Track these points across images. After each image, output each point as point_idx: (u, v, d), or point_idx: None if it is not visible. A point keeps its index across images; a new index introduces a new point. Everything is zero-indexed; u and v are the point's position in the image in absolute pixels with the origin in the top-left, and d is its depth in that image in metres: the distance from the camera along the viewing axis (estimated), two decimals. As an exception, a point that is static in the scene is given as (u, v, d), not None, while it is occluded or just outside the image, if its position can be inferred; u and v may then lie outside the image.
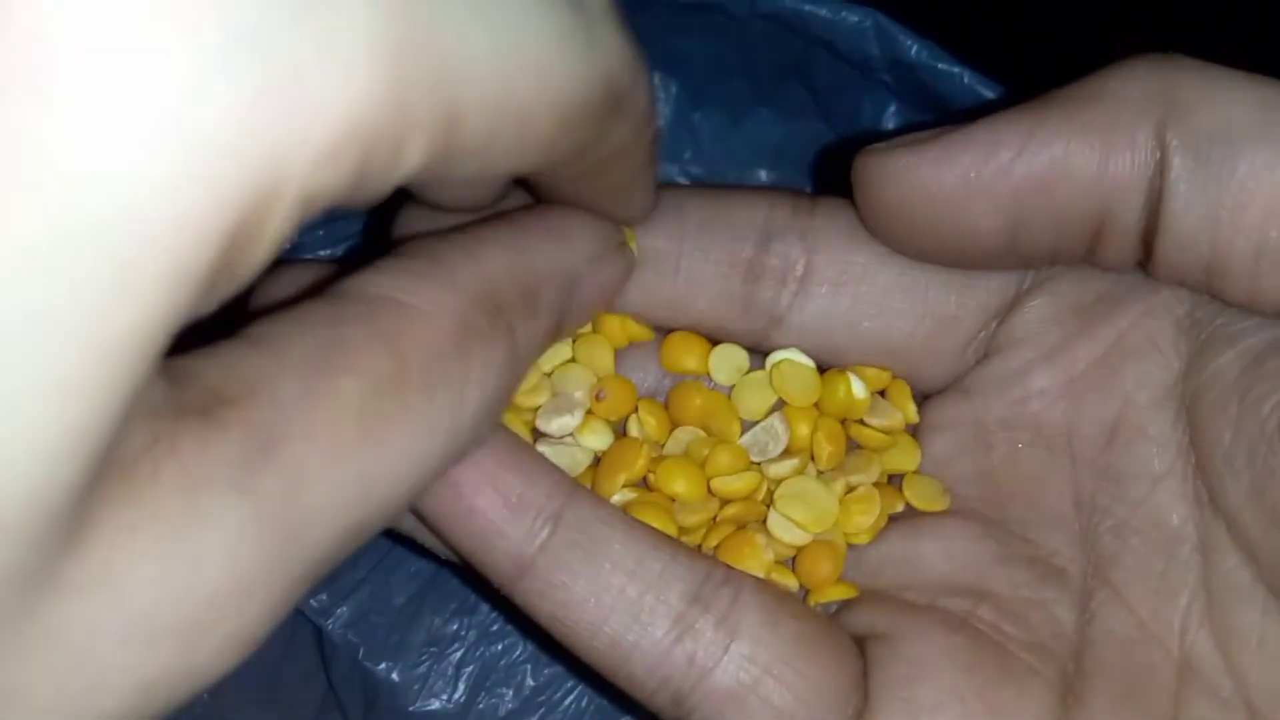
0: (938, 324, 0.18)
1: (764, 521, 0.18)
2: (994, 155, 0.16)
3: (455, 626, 0.24)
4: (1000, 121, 0.16)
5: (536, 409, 0.18)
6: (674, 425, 0.19)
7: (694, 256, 0.18)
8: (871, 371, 0.19)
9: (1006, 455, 0.18)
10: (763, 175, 0.30)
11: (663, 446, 0.19)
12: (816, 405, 0.19)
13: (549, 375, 0.18)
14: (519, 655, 0.24)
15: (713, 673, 0.16)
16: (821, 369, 0.19)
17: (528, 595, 0.17)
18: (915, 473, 0.19)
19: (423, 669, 0.24)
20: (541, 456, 0.17)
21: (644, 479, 0.18)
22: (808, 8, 0.25)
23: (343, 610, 0.24)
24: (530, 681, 0.24)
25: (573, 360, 0.18)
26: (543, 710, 0.24)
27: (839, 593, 0.18)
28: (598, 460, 0.18)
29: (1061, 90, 0.17)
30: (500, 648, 0.24)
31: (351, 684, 0.24)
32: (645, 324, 0.19)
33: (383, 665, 0.24)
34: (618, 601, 0.16)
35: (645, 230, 0.18)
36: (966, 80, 0.28)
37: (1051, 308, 0.18)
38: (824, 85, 0.29)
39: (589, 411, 0.18)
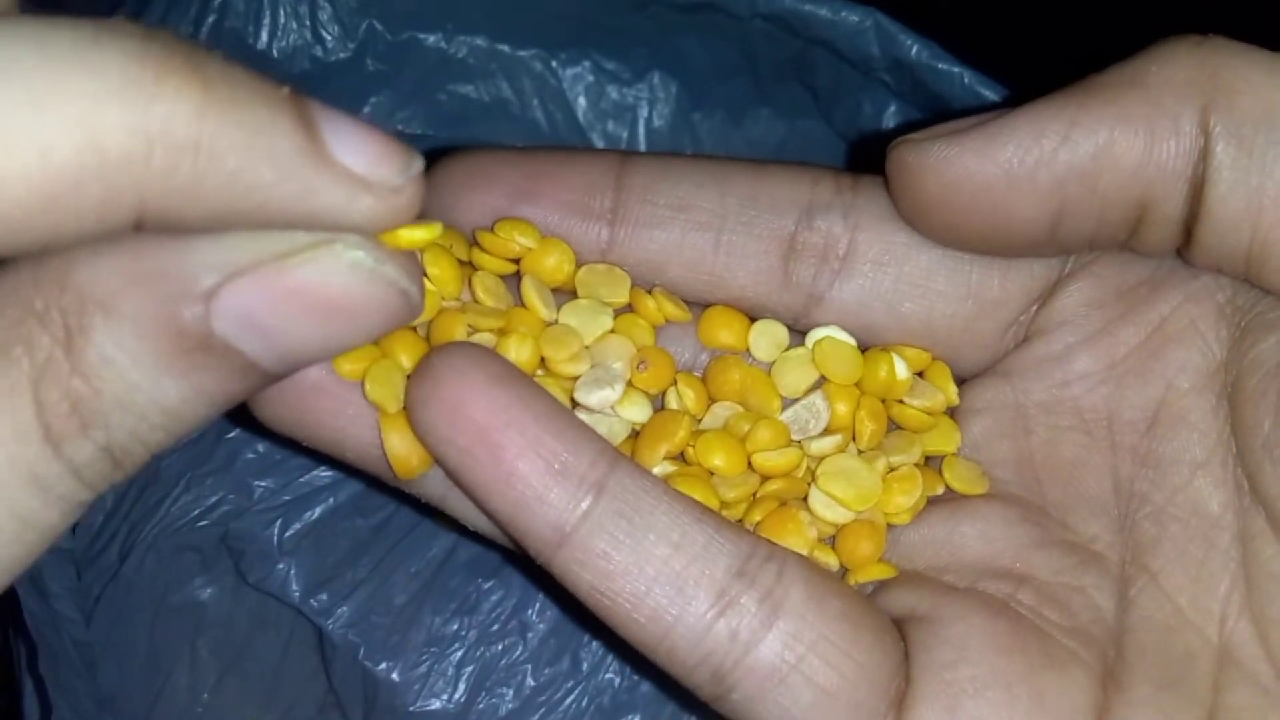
0: (979, 306, 0.18)
1: (805, 499, 0.18)
2: (1037, 144, 0.16)
3: (455, 626, 0.24)
4: (1042, 110, 0.16)
5: (576, 378, 0.18)
6: (711, 400, 0.19)
7: (736, 230, 0.18)
8: (912, 352, 0.19)
9: (1046, 439, 0.18)
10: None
11: (699, 421, 0.18)
12: (857, 384, 0.19)
13: (588, 347, 0.18)
14: (519, 655, 0.24)
15: (755, 649, 0.16)
16: (860, 349, 0.19)
17: (567, 565, 0.16)
18: (954, 455, 0.19)
19: (423, 669, 0.24)
20: (584, 424, 0.16)
21: (681, 454, 0.18)
22: (808, 8, 0.25)
23: (343, 610, 0.24)
24: (530, 681, 0.24)
25: (613, 332, 0.18)
26: (543, 710, 0.24)
27: (879, 572, 0.18)
28: (635, 434, 0.18)
29: (1102, 76, 0.16)
30: (500, 648, 0.24)
31: (351, 684, 0.24)
32: (683, 298, 0.19)
33: (383, 665, 0.24)
34: (661, 574, 0.16)
35: (686, 203, 0.18)
36: (966, 80, 0.28)
37: (1093, 292, 0.18)
38: (824, 85, 0.29)
39: (629, 383, 0.18)
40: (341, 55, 0.29)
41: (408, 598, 0.25)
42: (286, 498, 0.25)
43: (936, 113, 0.28)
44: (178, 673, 0.25)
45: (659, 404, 0.18)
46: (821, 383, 0.19)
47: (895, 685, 0.17)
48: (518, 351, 0.17)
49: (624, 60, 0.29)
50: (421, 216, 0.13)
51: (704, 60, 0.28)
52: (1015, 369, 0.19)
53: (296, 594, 0.24)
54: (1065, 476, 0.18)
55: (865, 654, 0.16)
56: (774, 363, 0.19)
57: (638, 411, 0.18)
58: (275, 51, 0.28)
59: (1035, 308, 0.18)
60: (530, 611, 0.25)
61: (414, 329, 0.17)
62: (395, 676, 0.24)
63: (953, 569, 0.18)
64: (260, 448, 0.26)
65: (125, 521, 0.25)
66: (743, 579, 0.16)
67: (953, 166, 0.17)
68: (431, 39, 0.29)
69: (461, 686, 0.24)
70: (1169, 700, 0.16)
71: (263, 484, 0.25)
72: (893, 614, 0.18)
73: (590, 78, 0.29)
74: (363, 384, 0.16)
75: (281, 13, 0.28)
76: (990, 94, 0.28)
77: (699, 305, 0.19)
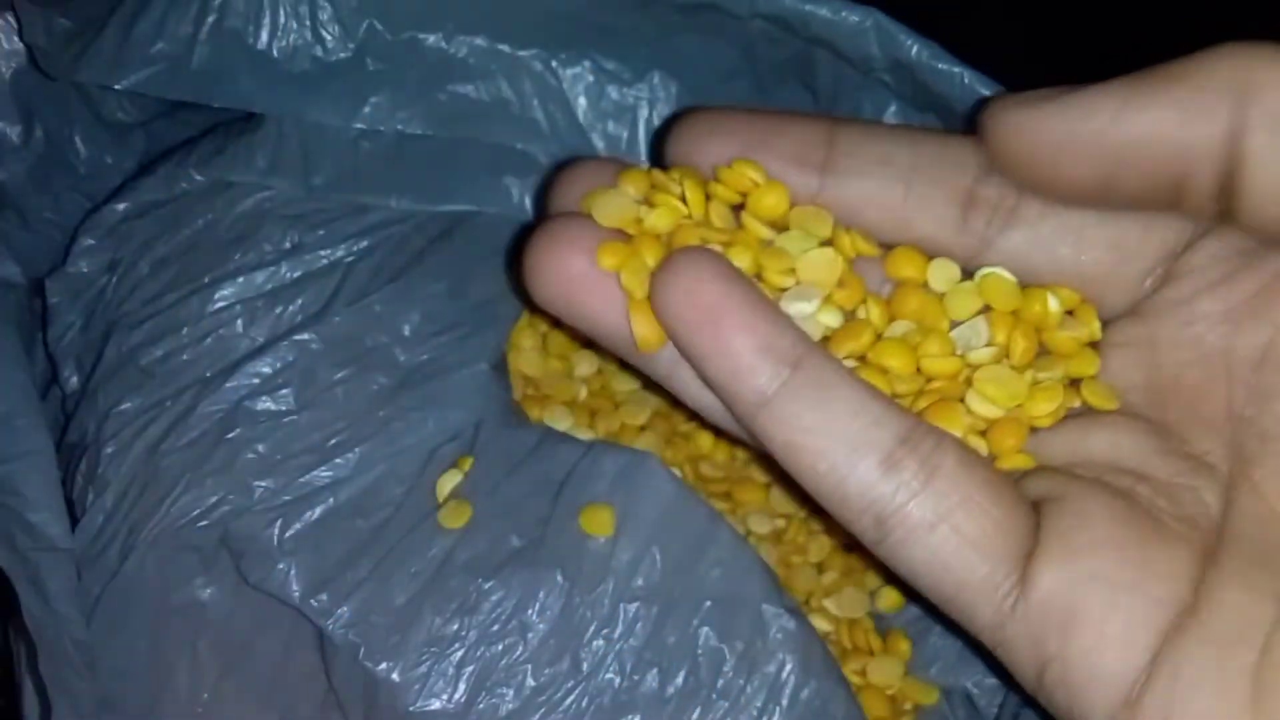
0: (1122, 255, 0.22)
1: (962, 399, 0.22)
2: (1091, 119, 0.20)
3: (455, 626, 0.24)
4: (1098, 92, 0.20)
5: (784, 290, 0.22)
6: (893, 318, 0.22)
7: (924, 184, 0.22)
8: (1064, 291, 0.22)
9: (1172, 370, 0.22)
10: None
11: (880, 334, 0.22)
12: (1014, 314, 0.22)
13: (794, 268, 0.22)
14: (519, 655, 0.24)
15: (912, 502, 0.20)
16: (1020, 287, 0.22)
17: (766, 424, 0.20)
18: (1093, 377, 0.22)
19: (423, 669, 0.24)
20: (787, 315, 0.21)
21: (864, 357, 0.22)
22: (808, 7, 0.25)
23: (343, 610, 0.24)
24: (531, 681, 0.24)
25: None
26: (543, 710, 0.24)
27: (1020, 461, 0.22)
28: (827, 339, 0.22)
29: (1155, 69, 0.20)
30: (501, 648, 0.24)
31: (352, 684, 0.24)
32: (873, 239, 0.22)
33: (383, 665, 0.24)
34: (841, 435, 0.20)
35: (885, 159, 0.22)
36: (966, 80, 0.28)
37: (1221, 248, 0.21)
38: (824, 85, 0.29)
39: (826, 298, 0.22)
40: (342, 55, 0.29)
41: (407, 598, 0.24)
42: (286, 498, 0.25)
43: (937, 112, 0.28)
44: (178, 673, 0.25)
45: (850, 316, 0.22)
46: (986, 311, 0.22)
47: (1026, 544, 0.20)
48: (739, 260, 0.21)
49: (624, 60, 0.29)
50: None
51: (704, 60, 0.28)
52: (1149, 311, 0.22)
53: (296, 594, 0.24)
54: (1186, 402, 0.21)
55: (1003, 515, 0.20)
56: (946, 293, 0.23)
57: (831, 318, 0.22)
58: (275, 51, 0.29)
59: (1171, 260, 0.22)
60: (530, 612, 0.25)
61: (659, 236, 0.22)
62: (395, 676, 0.24)
63: (1082, 466, 0.21)
64: (260, 448, 0.26)
65: (125, 521, 0.25)
66: (905, 445, 0.20)
67: (1024, 130, 0.20)
68: (432, 39, 0.29)
69: (461, 686, 0.24)
70: (1258, 575, 0.19)
71: (263, 484, 0.25)
72: (1029, 498, 0.21)
73: (590, 78, 0.29)
74: (618, 275, 0.21)
75: (281, 13, 0.29)
76: (990, 94, 0.28)
77: (886, 245, 0.23)
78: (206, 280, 0.28)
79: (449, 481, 0.26)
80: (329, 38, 0.29)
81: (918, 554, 0.20)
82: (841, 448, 0.20)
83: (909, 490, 0.20)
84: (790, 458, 0.21)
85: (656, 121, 0.31)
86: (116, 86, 0.28)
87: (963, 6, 0.29)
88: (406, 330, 0.28)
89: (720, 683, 0.25)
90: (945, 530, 0.20)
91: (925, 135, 0.23)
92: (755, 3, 0.25)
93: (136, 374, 0.27)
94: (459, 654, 0.24)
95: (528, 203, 0.30)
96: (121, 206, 0.29)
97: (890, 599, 0.31)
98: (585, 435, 0.30)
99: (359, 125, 0.29)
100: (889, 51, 0.28)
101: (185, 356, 0.27)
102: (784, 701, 0.25)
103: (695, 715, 0.25)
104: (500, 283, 0.29)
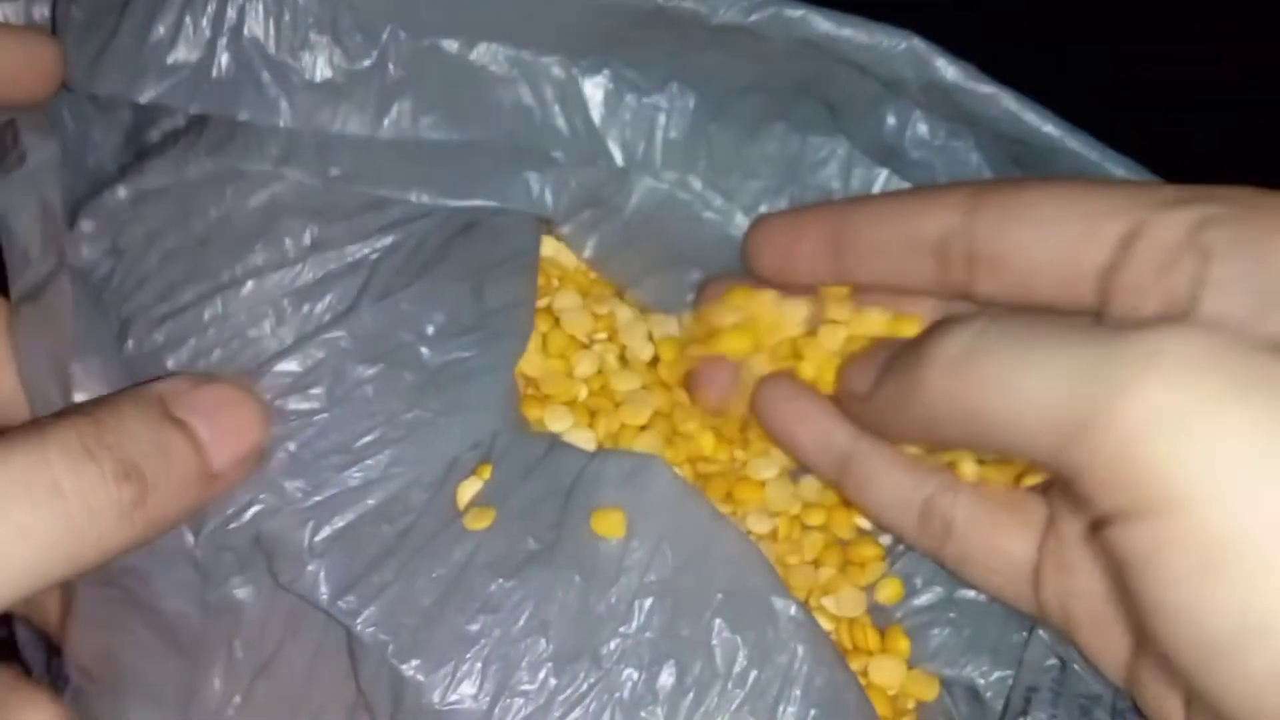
0: None
1: None
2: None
3: (479, 626, 0.25)
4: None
5: None
6: None
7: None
8: None
9: None
10: (776, 186, 0.31)
11: None
12: None
13: None
14: (541, 653, 0.25)
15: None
16: None
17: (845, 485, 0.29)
18: None
19: (449, 667, 0.25)
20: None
21: None
22: (845, 32, 0.26)
23: (371, 611, 0.25)
24: (553, 679, 0.25)
25: None
26: (565, 705, 0.25)
27: None
28: None
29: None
30: (523, 646, 0.25)
31: (379, 684, 0.25)
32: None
33: (410, 664, 0.24)
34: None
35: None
36: (1005, 102, 0.28)
37: None
38: (841, 99, 0.29)
39: None
40: (364, 63, 0.29)
41: (432, 600, 0.25)
42: (317, 499, 0.26)
43: (963, 121, 0.29)
44: (214, 675, 0.26)
45: None
46: None
47: None
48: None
49: (643, 70, 0.29)
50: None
51: (723, 74, 0.28)
52: None
53: (325, 596, 0.25)
54: None
55: None
56: None
57: None
58: (296, 60, 0.29)
59: None
60: (550, 610, 0.25)
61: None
62: (421, 676, 0.24)
63: None
64: (291, 446, 0.26)
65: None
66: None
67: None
68: (453, 45, 0.29)
69: (487, 684, 0.24)
70: None
71: (294, 484, 0.26)
72: None
73: (610, 85, 0.30)
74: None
75: (302, 20, 0.29)
76: (1025, 114, 0.28)
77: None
78: (225, 279, 0.27)
79: (469, 489, 0.27)
80: (350, 45, 0.29)
81: None
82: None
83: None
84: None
85: (673, 131, 0.31)
86: (139, 100, 0.28)
87: (991, 24, 0.29)
88: (431, 330, 0.28)
89: (735, 672, 0.26)
90: None
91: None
92: (789, 27, 0.26)
93: (160, 372, 0.27)
94: (483, 653, 0.25)
95: (548, 198, 0.30)
96: (124, 192, 0.28)
97: (890, 590, 0.31)
98: (586, 434, 0.30)
99: (384, 135, 0.29)
100: (924, 74, 0.28)
101: (214, 357, 0.27)
102: (798, 690, 0.26)
103: (713, 705, 0.25)
104: (520, 288, 0.30)
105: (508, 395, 0.29)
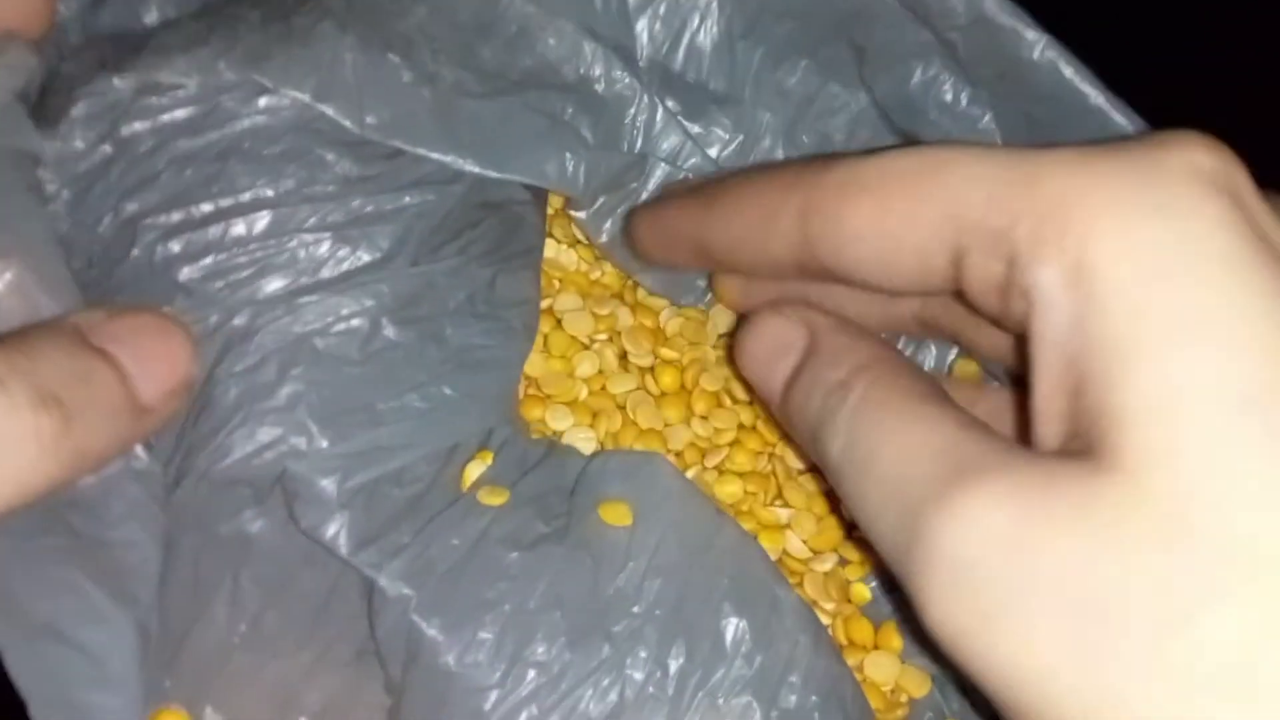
0: None
1: None
2: None
3: (495, 595, 0.25)
4: None
5: None
6: None
7: None
8: None
9: None
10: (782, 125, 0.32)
11: None
12: None
13: None
14: (555, 626, 0.25)
15: None
16: None
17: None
18: None
19: (468, 631, 0.24)
20: None
21: None
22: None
23: (395, 565, 0.25)
24: (566, 654, 0.25)
25: None
26: (575, 678, 0.25)
27: None
28: None
29: None
30: (537, 619, 0.25)
31: (397, 638, 0.25)
32: None
33: (431, 622, 0.24)
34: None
35: None
36: (1046, 53, 0.28)
37: None
38: (874, 45, 0.29)
39: None
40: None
41: (449, 565, 0.25)
42: (343, 450, 0.25)
43: (998, 82, 0.29)
44: (217, 602, 0.25)
45: None
46: None
47: None
48: None
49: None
50: None
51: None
52: None
53: (347, 547, 0.25)
54: None
55: None
56: None
57: None
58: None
59: None
60: (563, 587, 0.25)
61: None
62: (441, 636, 0.24)
63: None
64: (325, 392, 0.25)
65: (178, 451, 0.25)
66: None
67: None
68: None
69: (503, 651, 0.24)
70: None
71: (323, 432, 0.25)
72: None
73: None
74: None
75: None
76: (1065, 67, 0.28)
77: None
78: (249, 198, 0.26)
79: (475, 469, 0.27)
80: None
81: None
82: None
83: None
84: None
85: (702, 36, 0.31)
86: None
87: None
88: (453, 307, 0.27)
89: (741, 654, 0.26)
90: None
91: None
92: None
93: (170, 286, 0.26)
94: (501, 620, 0.25)
95: (581, 178, 0.30)
96: (130, 82, 0.26)
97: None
98: (587, 435, 0.31)
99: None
100: (974, 8, 0.28)
101: (238, 277, 0.26)
102: (800, 677, 0.26)
103: (719, 685, 0.26)
104: (529, 286, 0.29)
105: (513, 394, 0.29)
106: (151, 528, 0.24)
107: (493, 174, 0.28)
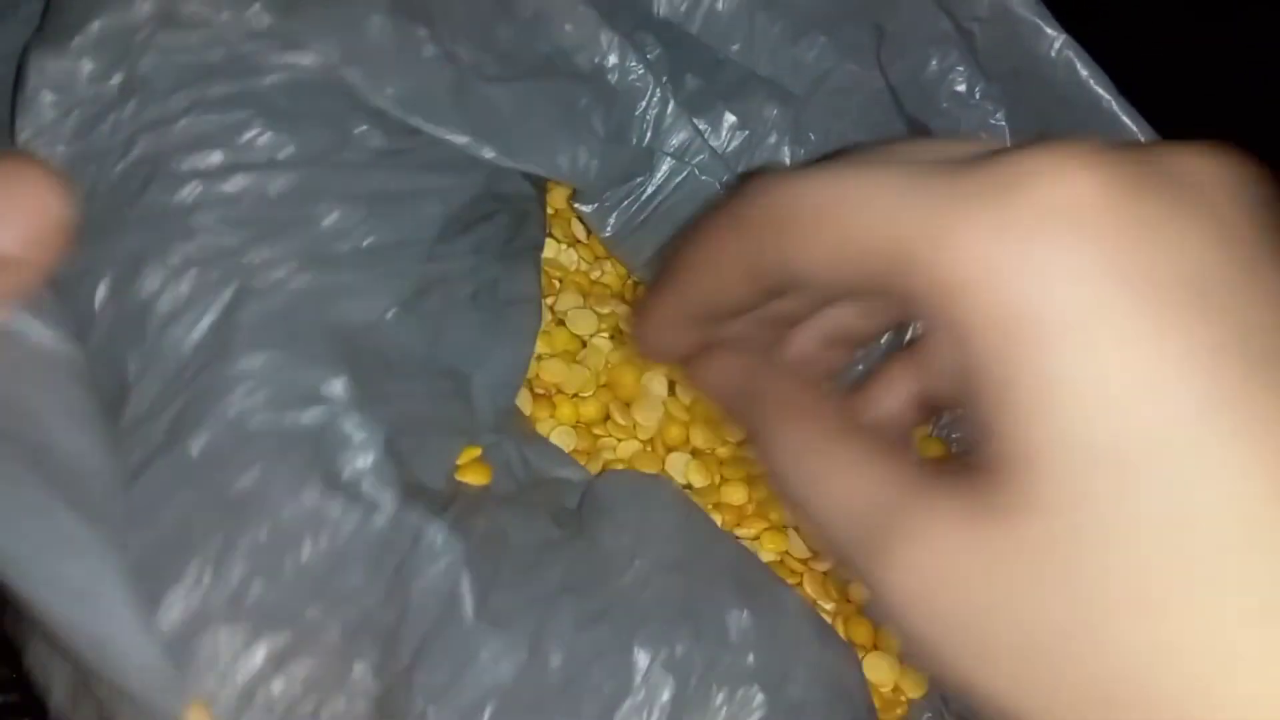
0: None
1: None
2: None
3: (520, 576, 0.25)
4: None
5: None
6: None
7: None
8: None
9: None
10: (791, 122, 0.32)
11: None
12: None
13: None
14: (572, 612, 0.25)
15: None
16: None
17: None
18: None
19: (504, 598, 0.25)
20: None
21: None
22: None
23: (442, 520, 0.24)
24: (582, 635, 0.25)
25: None
26: (592, 661, 0.25)
27: None
28: None
29: None
30: (554, 605, 0.25)
31: (432, 595, 0.24)
32: None
33: (473, 579, 0.24)
34: None
35: None
36: (1064, 51, 0.29)
37: None
38: (895, 28, 0.31)
39: None
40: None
41: (483, 534, 0.25)
42: (378, 414, 0.24)
43: (1012, 77, 0.30)
44: (198, 565, 0.23)
45: None
46: None
47: None
48: None
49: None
50: None
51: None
52: None
53: (392, 500, 0.24)
54: None
55: None
56: None
57: None
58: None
59: None
60: (577, 577, 0.26)
61: None
62: (476, 597, 0.24)
63: None
64: (362, 355, 0.25)
65: (186, 390, 0.23)
66: None
67: None
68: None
69: (527, 626, 0.24)
70: None
71: (354, 385, 0.24)
72: None
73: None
74: None
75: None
76: (1081, 68, 0.29)
77: None
78: (273, 155, 0.25)
79: (471, 453, 0.27)
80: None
81: None
82: None
83: None
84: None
85: (723, 4, 0.32)
86: None
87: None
88: (461, 299, 0.28)
89: (750, 639, 0.26)
90: None
91: None
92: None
93: (183, 233, 0.24)
94: (521, 603, 0.25)
95: (593, 171, 0.30)
96: (152, 5, 0.24)
97: None
98: (589, 434, 0.31)
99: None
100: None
101: (258, 231, 0.24)
102: (805, 669, 0.26)
103: (725, 674, 0.26)
104: (531, 285, 0.30)
105: (515, 389, 0.29)
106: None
107: (507, 163, 0.28)
